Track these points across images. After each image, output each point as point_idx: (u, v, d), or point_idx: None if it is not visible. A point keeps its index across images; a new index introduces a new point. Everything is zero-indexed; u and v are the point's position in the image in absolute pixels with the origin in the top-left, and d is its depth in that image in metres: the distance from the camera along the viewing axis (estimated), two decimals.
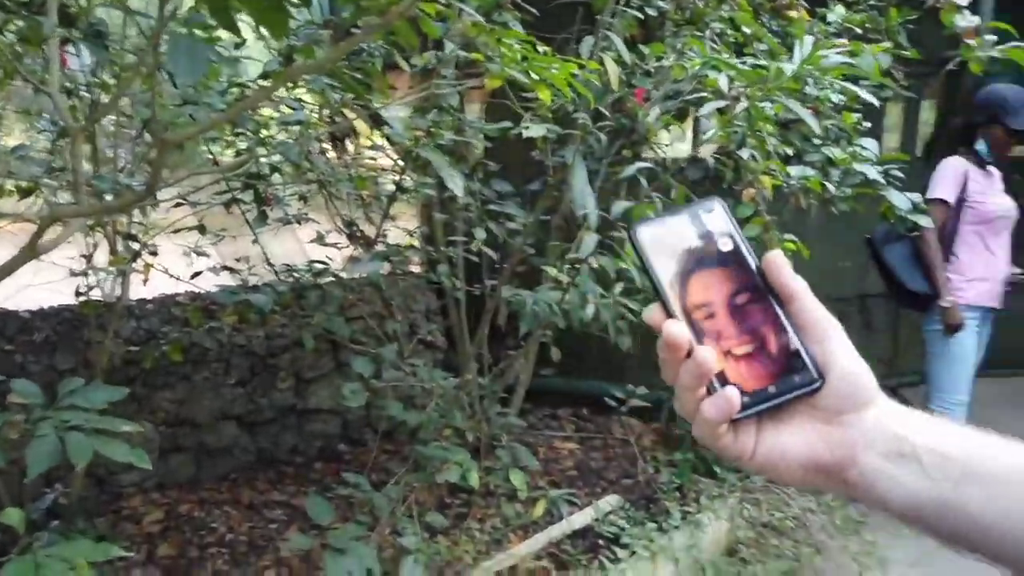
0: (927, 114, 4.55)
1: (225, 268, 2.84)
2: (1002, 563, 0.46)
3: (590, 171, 2.10)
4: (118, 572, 2.35)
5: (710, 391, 0.48)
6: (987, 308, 3.12)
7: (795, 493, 2.85)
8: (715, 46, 2.21)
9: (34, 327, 2.99)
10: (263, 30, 1.41)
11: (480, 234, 2.50)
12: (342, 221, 2.86)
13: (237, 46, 2.11)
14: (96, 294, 2.58)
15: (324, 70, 1.81)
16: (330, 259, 2.95)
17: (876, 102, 2.14)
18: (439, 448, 2.17)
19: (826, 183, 2.10)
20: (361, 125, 2.00)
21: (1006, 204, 3.10)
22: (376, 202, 2.82)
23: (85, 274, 2.50)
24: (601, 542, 2.56)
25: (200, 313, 2.86)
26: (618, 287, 2.10)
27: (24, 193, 2.33)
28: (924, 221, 2.33)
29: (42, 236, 1.33)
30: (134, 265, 2.49)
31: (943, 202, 3.03)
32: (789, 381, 0.48)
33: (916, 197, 2.29)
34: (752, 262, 0.51)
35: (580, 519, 2.64)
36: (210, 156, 2.83)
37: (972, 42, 2.34)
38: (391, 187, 2.80)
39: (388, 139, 2.52)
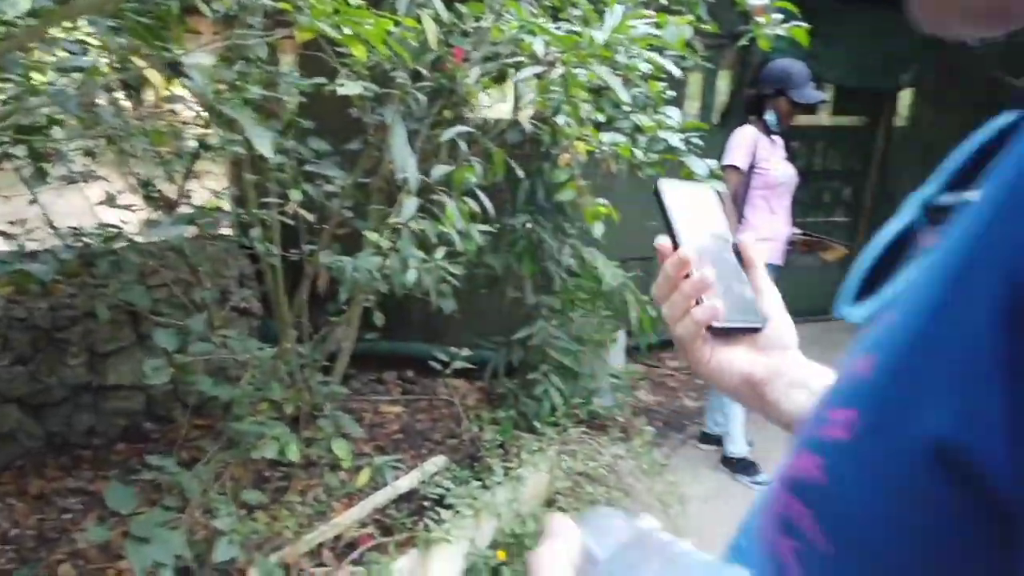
0: (723, 84, 4.91)
1: None
2: None
3: (410, 132, 2.05)
4: None
5: (698, 303, 0.65)
6: (773, 265, 3.45)
7: (607, 442, 3.03)
8: (533, 9, 2.22)
9: None
10: None
11: (296, 196, 2.38)
12: (137, 180, 2.61)
13: None
14: None
15: (105, 11, 1.61)
16: (125, 222, 2.68)
17: (678, 72, 2.26)
18: (255, 423, 2.07)
19: (634, 149, 2.20)
20: (155, 74, 1.81)
21: (788, 171, 3.42)
22: (177, 160, 2.59)
23: None
24: (426, 504, 2.59)
25: None
26: (440, 251, 2.08)
27: None
28: (719, 186, 2.51)
29: None
30: None
31: (736, 168, 3.29)
32: (746, 317, 0.66)
33: (713, 163, 2.46)
34: (731, 237, 0.70)
35: (405, 483, 2.64)
36: None
37: (762, 20, 2.53)
38: (195, 143, 2.58)
39: (190, 91, 2.31)
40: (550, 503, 2.83)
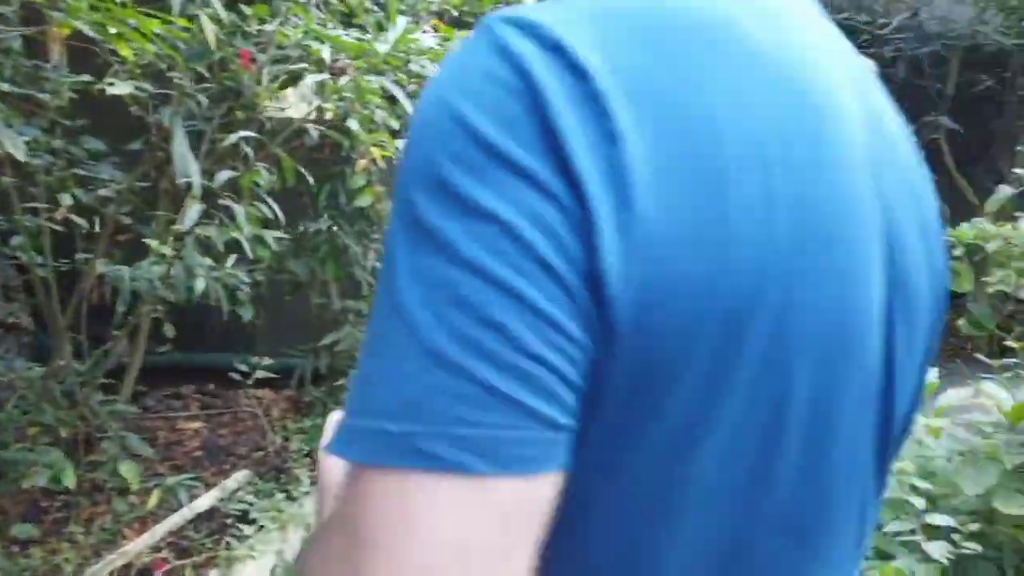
0: None
1: None
2: None
3: (194, 134, 1.97)
4: None
5: None
6: None
7: None
8: (321, 15, 2.21)
9: None
10: None
11: (66, 200, 2.19)
12: None
13: None
14: None
15: None
16: None
17: None
18: (23, 449, 1.89)
19: None
20: None
21: None
22: None
23: None
24: (228, 521, 2.49)
25: None
26: (231, 259, 2.02)
27: None
28: None
29: None
30: None
31: None
32: None
33: None
34: None
35: (204, 502, 2.53)
36: None
37: None
38: None
39: None
40: None
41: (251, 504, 2.51)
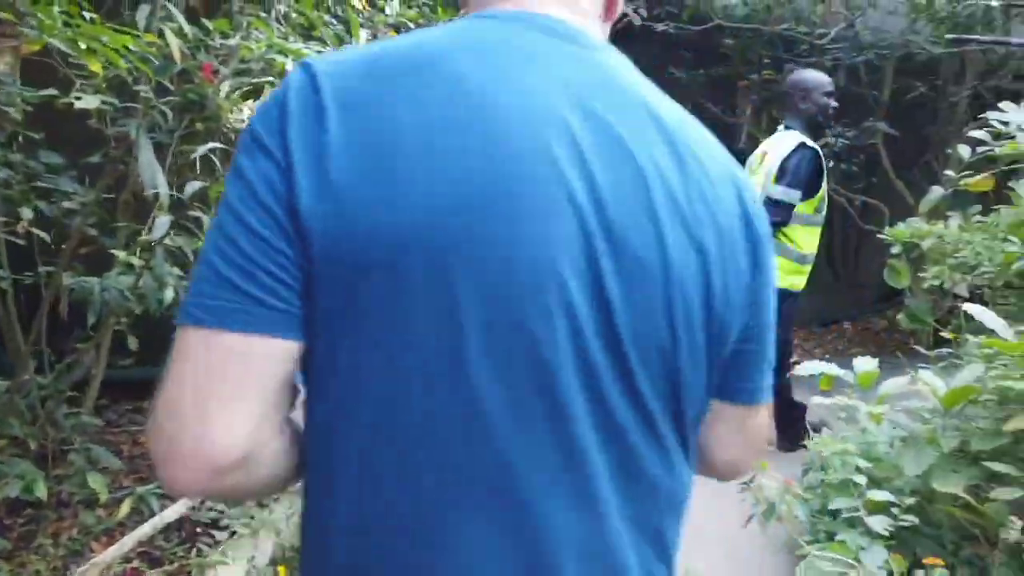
0: None
1: None
2: None
3: (160, 146, 2.00)
4: None
5: None
6: None
7: None
8: (282, 28, 2.27)
9: None
10: None
11: (27, 213, 2.20)
12: None
13: None
14: None
15: None
16: None
17: None
18: None
19: None
20: None
21: None
22: None
23: None
24: (199, 530, 2.50)
25: None
26: None
27: None
28: None
29: None
30: None
31: None
32: None
33: None
34: None
35: (173, 511, 2.53)
36: None
37: None
38: None
39: None
40: None
41: (221, 512, 2.52)
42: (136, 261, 1.90)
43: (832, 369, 2.49)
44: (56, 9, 1.39)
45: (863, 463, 2.15)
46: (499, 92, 0.64)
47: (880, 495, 2.03)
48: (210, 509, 2.58)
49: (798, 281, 3.52)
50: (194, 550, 2.38)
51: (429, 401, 0.63)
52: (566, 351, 0.64)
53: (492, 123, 0.63)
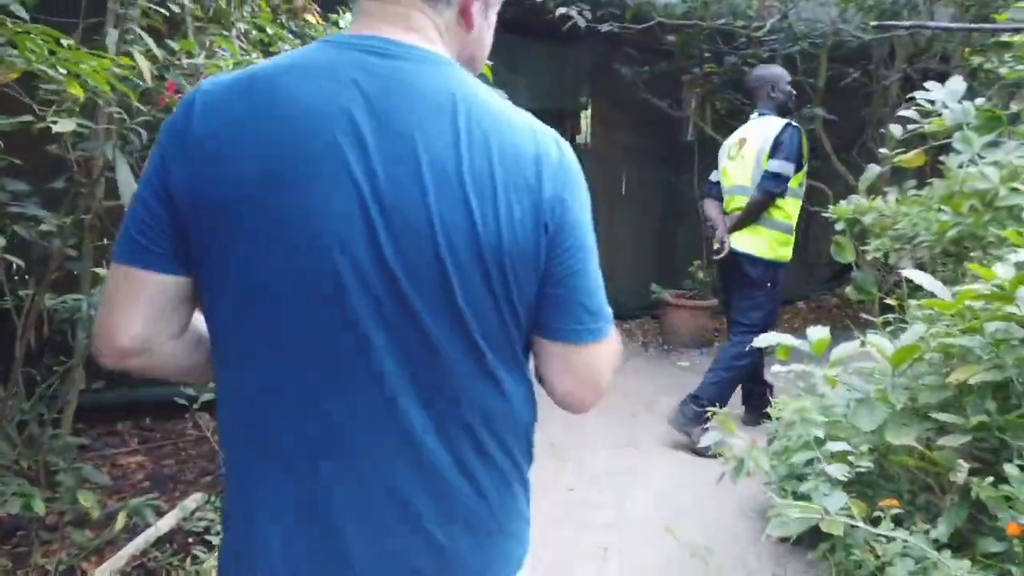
0: None
1: None
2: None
3: (131, 166, 2.05)
4: None
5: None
6: None
7: None
8: (243, 45, 2.33)
9: None
10: None
11: (0, 241, 2.22)
12: None
13: None
14: None
15: None
16: None
17: None
18: None
19: None
20: None
21: None
22: None
23: None
24: (191, 540, 2.54)
25: None
26: None
27: None
28: None
29: None
30: None
31: None
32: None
33: None
34: None
35: (166, 523, 2.57)
36: None
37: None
38: None
39: None
40: None
41: (212, 520, 2.57)
42: None
43: (788, 340, 2.64)
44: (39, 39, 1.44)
45: (821, 419, 2.30)
46: (304, 97, 0.86)
47: (838, 446, 2.17)
48: (200, 519, 2.63)
49: (786, 252, 3.93)
50: (188, 559, 2.42)
51: (257, 322, 0.89)
52: (353, 287, 0.86)
53: (293, 120, 0.85)
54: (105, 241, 2.35)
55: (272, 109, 0.86)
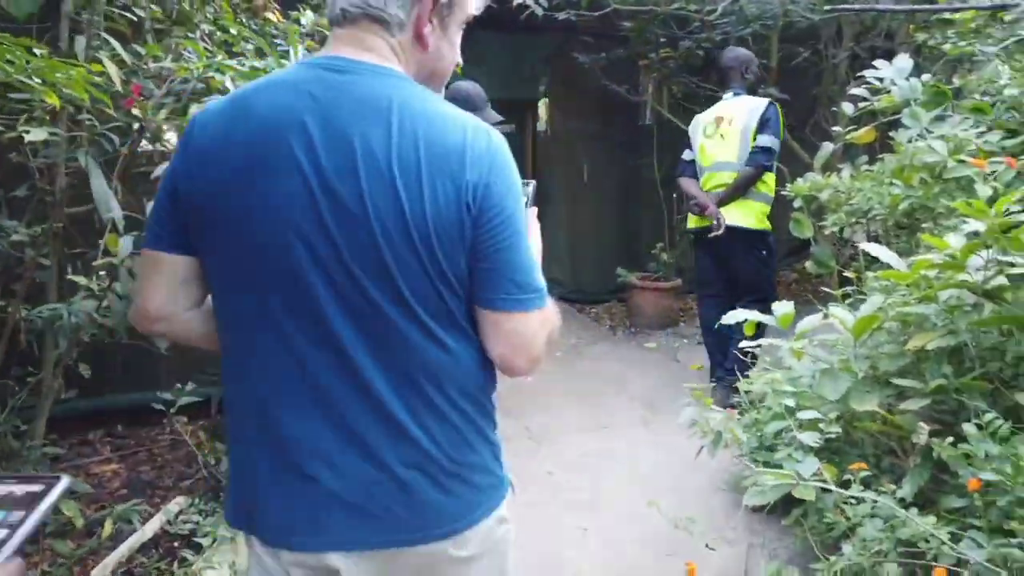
0: None
1: None
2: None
3: (104, 173, 2.03)
4: None
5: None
6: None
7: None
8: (208, 46, 2.32)
9: None
10: None
11: None
12: None
13: None
14: None
15: None
16: None
17: None
18: None
19: None
20: None
21: None
22: None
23: None
24: (177, 543, 2.55)
25: None
26: None
27: None
28: None
29: None
30: None
31: None
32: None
33: None
34: None
35: (150, 528, 2.57)
36: None
37: None
38: None
39: None
40: None
41: (197, 523, 2.57)
42: (94, 285, 1.94)
43: (754, 315, 2.73)
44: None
45: (791, 388, 2.39)
46: (268, 110, 1.05)
47: (808, 414, 2.27)
48: (185, 522, 2.63)
49: (768, 222, 4.14)
50: (176, 563, 2.43)
51: (237, 293, 1.09)
52: (308, 262, 1.03)
53: (258, 130, 1.04)
54: (78, 250, 2.32)
55: (245, 122, 1.05)
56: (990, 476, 1.93)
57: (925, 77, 3.17)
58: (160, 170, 1.93)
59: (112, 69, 1.77)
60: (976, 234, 2.17)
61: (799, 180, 3.66)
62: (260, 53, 2.66)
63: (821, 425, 2.22)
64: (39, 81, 1.49)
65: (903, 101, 3.10)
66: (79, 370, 2.56)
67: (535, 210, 1.37)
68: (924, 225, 2.99)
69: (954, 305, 2.28)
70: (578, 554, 2.78)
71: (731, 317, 2.60)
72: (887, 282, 2.55)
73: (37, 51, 1.52)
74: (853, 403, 2.41)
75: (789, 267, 7.20)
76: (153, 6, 2.15)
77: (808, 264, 3.75)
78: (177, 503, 2.79)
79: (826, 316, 2.57)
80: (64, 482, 0.85)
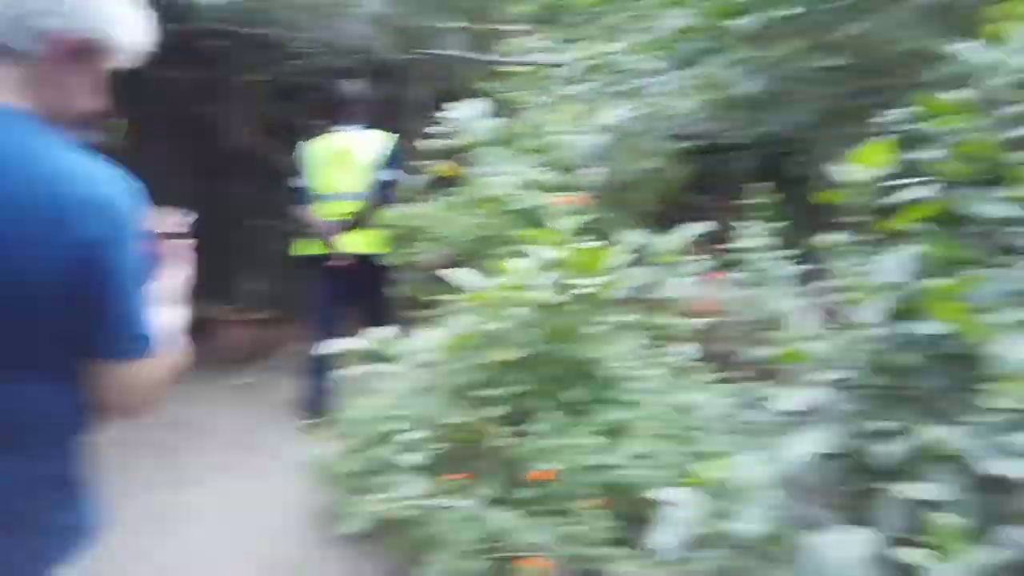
0: None
1: None
2: None
3: None
4: None
5: None
6: None
7: None
8: None
9: None
10: None
11: None
12: None
13: None
14: None
15: None
16: None
17: None
18: None
19: None
20: None
21: None
22: None
23: None
24: None
25: None
26: None
27: None
28: None
29: None
30: None
31: None
32: None
33: None
34: None
35: None
36: None
37: None
38: None
39: None
40: None
41: None
42: None
43: (353, 343, 2.75)
44: None
45: (392, 413, 2.45)
46: None
47: (408, 435, 2.35)
48: None
49: (387, 249, 4.10)
50: None
51: None
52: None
53: None
54: None
55: None
56: (554, 466, 2.21)
57: (493, 120, 3.59)
58: None
59: None
60: (548, 259, 2.50)
61: (389, 210, 3.85)
62: None
63: (425, 443, 2.32)
64: None
65: (476, 140, 3.46)
66: None
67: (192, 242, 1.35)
68: (494, 251, 3.34)
69: (526, 322, 2.58)
70: None
71: (332, 346, 2.57)
72: (468, 304, 2.78)
73: None
74: (440, 417, 2.57)
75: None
76: None
77: (398, 290, 3.95)
78: None
79: (417, 339, 2.70)
80: None
